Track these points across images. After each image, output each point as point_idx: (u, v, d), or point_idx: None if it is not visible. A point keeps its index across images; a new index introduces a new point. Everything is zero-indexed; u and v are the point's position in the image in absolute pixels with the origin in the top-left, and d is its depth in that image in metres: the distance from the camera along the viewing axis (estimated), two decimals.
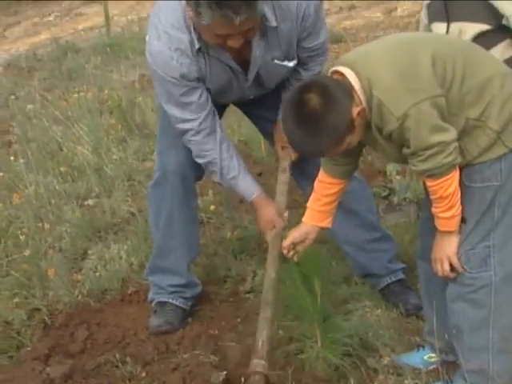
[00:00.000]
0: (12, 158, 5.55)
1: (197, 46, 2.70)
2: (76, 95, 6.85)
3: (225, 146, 2.93)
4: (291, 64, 2.89)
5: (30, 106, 6.77)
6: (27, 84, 7.97)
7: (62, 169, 5.11)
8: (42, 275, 3.67)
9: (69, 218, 4.35)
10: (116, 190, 4.68)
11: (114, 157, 5.12)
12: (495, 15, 2.59)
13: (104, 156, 5.12)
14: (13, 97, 7.51)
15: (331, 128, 2.19)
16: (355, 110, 2.21)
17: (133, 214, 4.28)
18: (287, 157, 3.05)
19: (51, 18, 13.61)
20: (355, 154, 2.51)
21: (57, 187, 4.78)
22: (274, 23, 2.70)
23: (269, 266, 2.75)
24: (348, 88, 2.22)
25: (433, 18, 2.78)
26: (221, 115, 3.16)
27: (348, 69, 2.24)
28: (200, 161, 2.97)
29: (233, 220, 4.13)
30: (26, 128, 6.19)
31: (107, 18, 10.53)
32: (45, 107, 6.66)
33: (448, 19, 2.69)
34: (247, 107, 3.23)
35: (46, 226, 4.24)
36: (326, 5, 10.10)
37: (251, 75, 2.86)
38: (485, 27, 2.61)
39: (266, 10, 2.64)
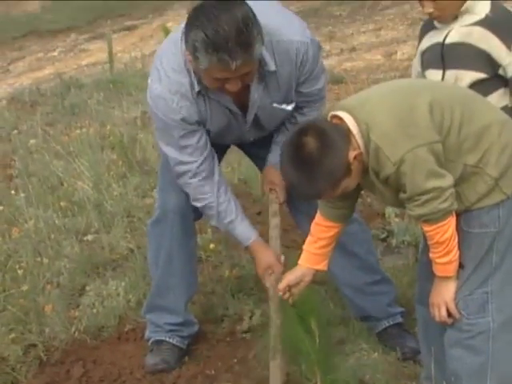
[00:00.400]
0: (13, 191, 5.55)
1: (197, 89, 2.73)
2: (78, 131, 6.88)
3: (222, 190, 2.94)
4: (289, 107, 2.92)
5: (32, 141, 6.80)
6: (30, 118, 7.99)
7: (62, 203, 5.11)
8: (39, 311, 3.67)
9: (67, 253, 4.35)
10: (115, 226, 4.68)
11: (115, 193, 5.13)
12: (492, 64, 2.63)
13: (104, 192, 5.12)
14: (15, 131, 7.54)
15: (327, 171, 2.21)
16: (352, 154, 2.24)
17: (131, 251, 4.28)
18: (276, 200, 3.06)
19: (55, 54, 13.72)
20: (352, 197, 2.53)
21: (56, 222, 4.78)
22: (272, 67, 2.73)
23: (274, 314, 2.74)
24: (346, 132, 2.25)
25: (427, 65, 2.80)
26: (222, 156, 3.19)
27: (346, 113, 2.28)
28: (197, 204, 2.98)
29: (231, 258, 4.13)
30: (27, 162, 6.21)
31: (111, 54, 10.61)
32: (46, 142, 6.68)
33: (444, 66, 2.72)
34: (247, 147, 3.26)
35: (45, 260, 4.23)
36: (327, 46, 10.21)
37: (250, 118, 2.89)
38: (481, 75, 2.65)
39: (265, 53, 2.67)
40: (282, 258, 2.93)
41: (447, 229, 2.26)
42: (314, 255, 2.61)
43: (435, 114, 2.23)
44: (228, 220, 2.96)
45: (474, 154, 2.27)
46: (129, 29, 15.08)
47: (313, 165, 2.21)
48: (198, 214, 3.17)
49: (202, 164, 2.88)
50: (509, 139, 2.30)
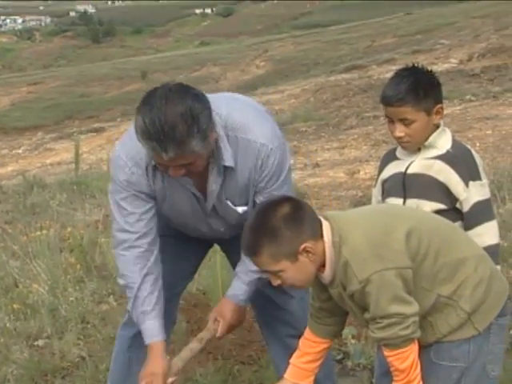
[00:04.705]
0: None
1: (153, 163, 2.68)
2: (38, 232, 6.81)
3: (151, 278, 2.82)
4: (240, 210, 2.84)
5: None
6: None
7: (15, 306, 4.97)
8: None
9: (16, 358, 4.20)
10: (68, 331, 4.56)
11: (70, 297, 5.03)
12: (450, 197, 2.69)
13: (60, 295, 5.02)
14: None
15: (274, 233, 2.22)
16: (306, 244, 2.24)
17: (83, 359, 4.15)
18: (213, 331, 2.90)
19: (20, 151, 13.76)
20: (340, 314, 2.51)
21: (7, 325, 4.64)
22: (229, 163, 2.68)
23: None
24: (318, 231, 2.27)
25: (389, 193, 2.84)
26: (204, 255, 3.19)
27: (325, 220, 2.30)
28: (121, 281, 2.87)
29: None
30: None
31: (77, 155, 10.66)
32: (4, 241, 6.59)
33: (405, 195, 2.76)
34: (229, 250, 3.17)
35: None
36: (291, 161, 10.44)
37: (208, 206, 2.82)
38: (440, 206, 2.69)
39: (224, 148, 2.65)
40: (171, 380, 2.75)
41: (407, 356, 2.24)
42: (300, 370, 2.55)
43: (412, 240, 2.24)
44: (142, 309, 2.80)
45: (448, 285, 2.27)
46: (96, 131, 15.27)
47: (269, 219, 2.23)
48: (172, 319, 3.11)
49: (141, 238, 2.79)
50: (484, 274, 2.31)
